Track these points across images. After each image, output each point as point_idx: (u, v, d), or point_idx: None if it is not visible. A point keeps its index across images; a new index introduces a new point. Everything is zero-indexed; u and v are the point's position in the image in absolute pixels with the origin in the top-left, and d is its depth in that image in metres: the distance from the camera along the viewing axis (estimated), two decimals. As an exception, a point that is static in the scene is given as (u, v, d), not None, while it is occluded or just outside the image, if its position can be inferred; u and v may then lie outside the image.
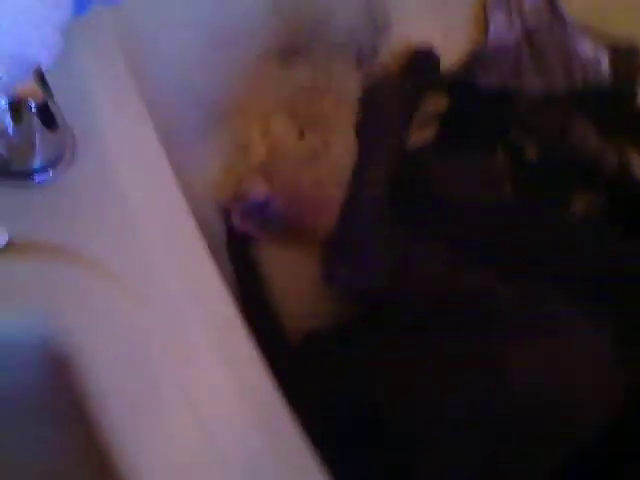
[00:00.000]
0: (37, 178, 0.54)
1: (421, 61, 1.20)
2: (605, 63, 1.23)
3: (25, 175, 0.54)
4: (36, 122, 0.51)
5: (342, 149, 1.13)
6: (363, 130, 1.06)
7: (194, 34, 0.96)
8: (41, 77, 0.51)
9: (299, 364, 0.88)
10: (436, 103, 1.17)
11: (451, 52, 1.22)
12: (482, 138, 1.15)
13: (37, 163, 0.54)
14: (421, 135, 1.15)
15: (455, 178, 1.06)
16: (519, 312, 0.85)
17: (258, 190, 1.04)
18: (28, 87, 0.50)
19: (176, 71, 0.94)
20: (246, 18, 1.03)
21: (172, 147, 0.64)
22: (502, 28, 1.23)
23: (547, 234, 0.99)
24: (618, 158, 1.13)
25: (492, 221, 0.96)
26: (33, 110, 0.50)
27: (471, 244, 0.91)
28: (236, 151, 1.10)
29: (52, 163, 0.54)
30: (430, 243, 0.91)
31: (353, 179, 1.00)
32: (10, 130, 0.51)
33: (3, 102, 0.49)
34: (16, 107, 0.50)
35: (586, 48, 1.23)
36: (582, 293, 0.88)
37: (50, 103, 0.52)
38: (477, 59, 1.23)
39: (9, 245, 0.51)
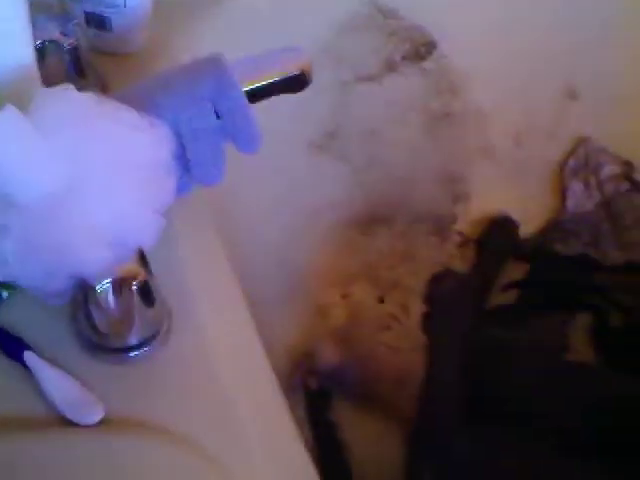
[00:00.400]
0: (133, 354, 0.56)
1: (500, 229, 1.22)
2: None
3: (122, 351, 0.56)
4: (136, 300, 0.53)
5: (419, 314, 1.14)
6: (432, 329, 1.06)
7: (281, 207, 1.00)
8: (142, 257, 0.54)
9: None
10: (517, 270, 1.19)
11: (530, 221, 1.24)
12: (562, 304, 1.15)
13: (134, 340, 0.55)
14: (504, 298, 1.16)
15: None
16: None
17: (331, 355, 1.05)
18: (130, 267, 0.53)
19: (265, 240, 0.98)
20: (330, 190, 1.07)
21: (256, 310, 0.66)
22: (580, 197, 1.25)
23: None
24: None
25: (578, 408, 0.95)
26: (134, 289, 0.53)
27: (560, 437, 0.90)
28: (316, 314, 1.12)
29: (148, 339, 0.56)
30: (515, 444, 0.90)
31: (428, 380, 0.99)
32: (111, 308, 0.53)
33: (107, 281, 0.52)
34: (118, 286, 0.52)
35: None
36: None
37: (150, 281, 0.54)
38: (556, 228, 1.24)
39: (104, 420, 0.52)
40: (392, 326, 1.13)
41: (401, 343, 1.10)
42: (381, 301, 1.15)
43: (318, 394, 1.06)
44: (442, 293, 1.07)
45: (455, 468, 0.88)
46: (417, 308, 1.15)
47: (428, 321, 1.05)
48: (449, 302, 1.08)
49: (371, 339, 1.10)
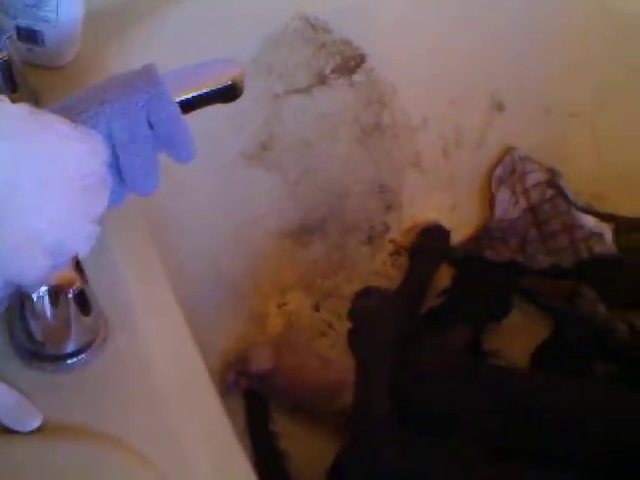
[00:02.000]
0: (69, 362, 0.56)
1: (431, 236, 1.25)
2: (608, 236, 1.27)
3: (58, 359, 0.56)
4: (72, 308, 0.54)
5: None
6: (357, 346, 1.08)
7: (215, 216, 1.01)
8: (78, 264, 0.54)
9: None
10: (449, 276, 1.22)
11: (460, 229, 1.28)
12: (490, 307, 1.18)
13: (71, 347, 0.56)
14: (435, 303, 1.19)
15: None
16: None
17: (264, 358, 1.06)
18: (66, 275, 0.53)
19: (199, 248, 0.99)
20: (263, 201, 1.08)
21: (191, 319, 0.67)
22: (507, 205, 1.29)
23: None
24: (628, 326, 1.15)
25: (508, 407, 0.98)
26: (70, 296, 0.53)
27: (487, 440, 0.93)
28: (252, 323, 1.13)
29: (85, 347, 0.57)
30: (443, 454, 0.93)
31: (356, 399, 1.01)
32: (47, 315, 0.53)
33: (43, 289, 0.52)
34: (54, 294, 0.53)
35: (589, 222, 1.27)
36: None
37: (86, 289, 0.54)
38: (485, 235, 1.28)
39: (42, 427, 0.53)
40: (327, 333, 1.14)
41: (336, 350, 1.12)
42: (316, 309, 1.17)
43: (256, 402, 1.07)
44: (365, 310, 1.09)
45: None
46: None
47: (353, 337, 1.07)
48: (372, 318, 1.10)
49: (306, 348, 1.11)
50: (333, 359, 1.09)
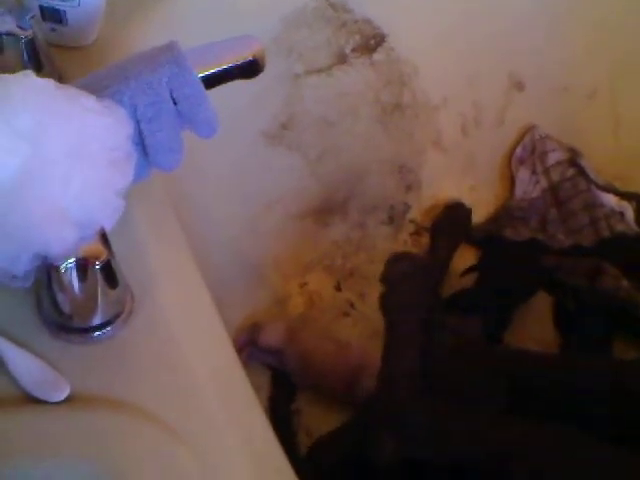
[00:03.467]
0: (96, 334, 0.57)
1: (453, 214, 1.25)
2: (630, 214, 1.26)
3: (85, 331, 0.57)
4: (99, 280, 0.55)
5: (377, 301, 1.16)
6: (388, 307, 1.08)
7: (236, 196, 1.01)
8: (104, 237, 0.55)
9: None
10: (469, 255, 1.22)
11: (480, 208, 1.28)
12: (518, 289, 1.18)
13: (97, 320, 0.57)
14: (458, 283, 1.19)
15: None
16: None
17: (273, 336, 1.07)
18: (93, 247, 0.54)
19: (220, 229, 0.99)
20: (284, 181, 1.09)
21: (213, 298, 0.67)
22: (527, 184, 1.29)
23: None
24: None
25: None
26: (97, 269, 0.54)
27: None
28: (273, 304, 1.14)
29: (111, 319, 0.57)
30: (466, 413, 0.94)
31: (385, 356, 1.02)
32: (74, 288, 0.54)
33: (70, 261, 0.53)
34: (81, 266, 0.54)
35: (610, 200, 1.27)
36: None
37: (112, 262, 0.55)
38: (505, 214, 1.27)
39: (70, 398, 0.54)
40: (349, 313, 1.15)
41: (358, 329, 1.13)
42: (338, 289, 1.18)
43: (281, 380, 1.08)
44: (398, 273, 1.10)
45: (410, 436, 0.91)
46: (373, 295, 1.17)
47: (385, 300, 1.08)
48: (405, 282, 1.10)
49: (323, 332, 1.12)
50: (354, 341, 1.10)
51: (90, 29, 0.81)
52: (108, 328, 0.58)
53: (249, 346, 1.06)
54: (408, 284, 1.07)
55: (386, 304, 1.08)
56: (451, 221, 1.25)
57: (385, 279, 1.08)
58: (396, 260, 1.10)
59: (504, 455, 0.88)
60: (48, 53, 0.73)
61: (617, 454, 0.86)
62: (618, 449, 0.86)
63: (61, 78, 0.75)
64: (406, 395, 0.95)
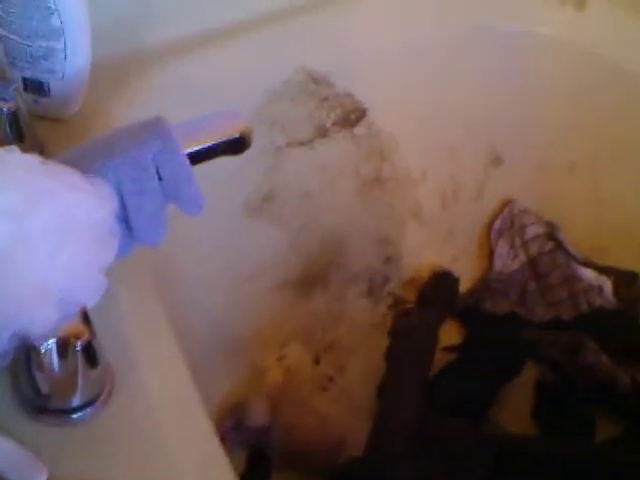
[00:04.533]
0: (75, 416, 0.55)
1: (441, 283, 1.25)
2: (608, 289, 1.27)
3: (64, 413, 0.55)
4: (80, 361, 0.53)
5: (357, 374, 1.15)
6: (392, 360, 1.09)
7: (217, 267, 1.01)
8: (85, 316, 0.54)
9: None
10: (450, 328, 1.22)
11: (460, 281, 1.27)
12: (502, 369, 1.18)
13: (77, 401, 0.55)
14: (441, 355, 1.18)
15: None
16: None
17: (260, 413, 1.05)
18: (74, 327, 0.53)
19: (200, 299, 0.98)
20: (265, 253, 1.08)
21: (192, 372, 0.66)
22: (506, 257, 1.29)
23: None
24: (630, 378, 1.14)
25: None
26: (78, 349, 0.52)
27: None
28: (252, 376, 1.12)
29: (91, 400, 0.56)
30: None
31: (383, 406, 1.02)
32: (54, 368, 0.52)
33: (50, 341, 0.51)
34: (61, 346, 0.52)
35: (588, 275, 1.28)
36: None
37: (93, 342, 0.54)
38: (485, 287, 1.28)
39: (47, 483, 0.52)
40: (328, 387, 1.13)
41: (337, 405, 1.11)
42: (317, 362, 1.16)
43: (257, 458, 1.06)
44: (406, 327, 1.11)
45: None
46: (353, 368, 1.16)
47: (390, 353, 1.08)
48: (411, 336, 1.11)
49: (304, 404, 1.10)
50: (333, 416, 1.08)
51: (73, 101, 0.81)
52: (88, 409, 0.56)
53: (233, 431, 1.05)
54: (414, 338, 1.09)
55: (390, 356, 1.08)
56: (439, 290, 1.25)
57: (392, 332, 1.08)
58: (404, 315, 1.11)
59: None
60: (30, 124, 0.73)
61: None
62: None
63: (43, 150, 0.74)
64: (402, 448, 0.95)
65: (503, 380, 1.16)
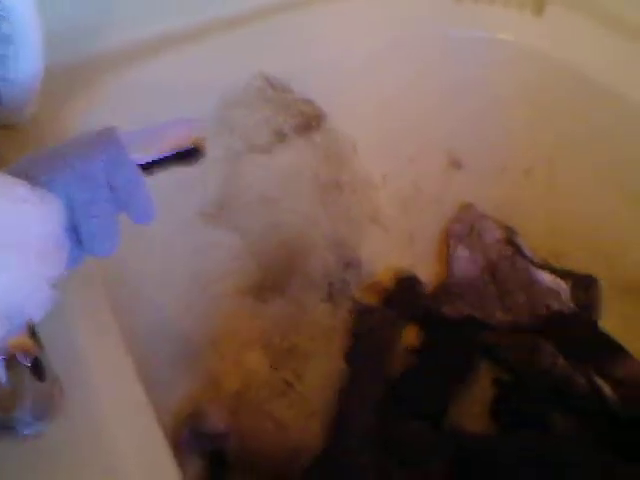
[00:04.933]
0: (24, 431, 0.54)
1: (405, 285, 1.26)
2: (566, 293, 1.28)
3: (11, 428, 0.54)
4: (27, 375, 0.52)
5: (315, 379, 1.15)
6: (353, 359, 1.09)
7: (173, 273, 1.00)
8: (32, 330, 0.53)
9: None
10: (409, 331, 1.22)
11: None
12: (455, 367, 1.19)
13: (24, 415, 0.54)
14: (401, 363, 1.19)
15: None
16: None
17: (217, 419, 1.05)
18: (20, 340, 0.52)
19: (156, 305, 0.97)
20: (223, 258, 1.08)
21: (146, 378, 0.65)
22: (466, 262, 1.30)
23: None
24: (586, 380, 1.16)
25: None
26: (24, 363, 0.52)
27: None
28: (208, 382, 1.11)
29: (39, 415, 0.55)
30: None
31: (343, 404, 1.03)
32: (1, 383, 0.52)
33: (-3, 356, 0.51)
34: (8, 361, 0.51)
35: (546, 279, 1.29)
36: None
37: (41, 355, 0.53)
38: (444, 291, 1.28)
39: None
40: (286, 392, 1.13)
41: (294, 411, 1.11)
42: (275, 368, 1.16)
43: (214, 463, 1.05)
44: (367, 327, 1.11)
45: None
46: (311, 374, 1.16)
47: (351, 352, 1.09)
48: (373, 335, 1.12)
49: (261, 410, 1.10)
50: (291, 421, 1.08)
51: (24, 108, 0.79)
52: (36, 425, 0.55)
53: (191, 438, 1.04)
54: (376, 337, 1.09)
55: (352, 355, 1.10)
56: (403, 293, 1.25)
57: (354, 331, 1.09)
58: (366, 312, 1.11)
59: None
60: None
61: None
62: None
63: (-7, 157, 0.73)
64: (360, 443, 0.95)
65: (458, 382, 1.16)
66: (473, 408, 1.15)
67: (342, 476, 0.97)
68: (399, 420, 1.07)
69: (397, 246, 1.28)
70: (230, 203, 1.05)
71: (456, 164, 1.29)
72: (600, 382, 1.15)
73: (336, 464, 0.96)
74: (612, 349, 1.21)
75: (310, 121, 1.09)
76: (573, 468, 1.01)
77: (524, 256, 1.29)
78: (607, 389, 1.14)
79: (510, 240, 1.30)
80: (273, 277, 1.15)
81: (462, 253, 1.30)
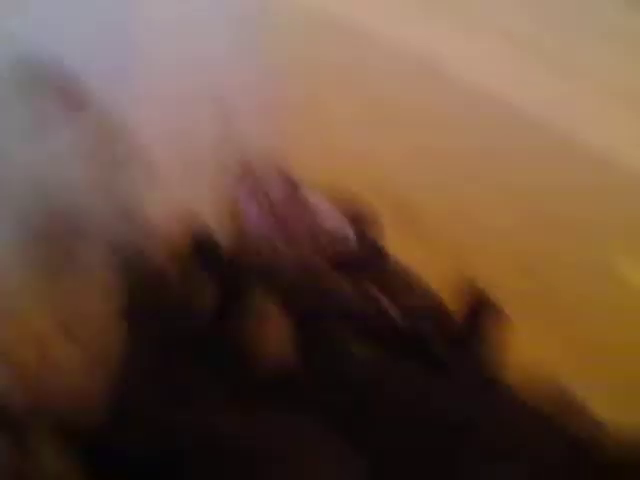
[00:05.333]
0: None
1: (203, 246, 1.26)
2: (352, 236, 1.34)
3: None
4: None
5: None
6: (128, 317, 1.08)
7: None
8: None
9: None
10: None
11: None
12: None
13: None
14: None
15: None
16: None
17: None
18: None
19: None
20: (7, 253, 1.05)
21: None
22: (255, 217, 1.33)
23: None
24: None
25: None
26: None
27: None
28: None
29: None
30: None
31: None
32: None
33: None
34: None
35: (335, 224, 1.34)
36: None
37: None
38: (238, 249, 1.30)
39: None
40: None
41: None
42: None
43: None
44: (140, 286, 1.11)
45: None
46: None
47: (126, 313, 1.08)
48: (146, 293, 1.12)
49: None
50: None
51: None
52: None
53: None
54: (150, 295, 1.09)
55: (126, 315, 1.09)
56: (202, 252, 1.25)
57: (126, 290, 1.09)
58: (137, 273, 1.10)
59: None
60: None
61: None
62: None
63: None
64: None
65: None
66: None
67: None
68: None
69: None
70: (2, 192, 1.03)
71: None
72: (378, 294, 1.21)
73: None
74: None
75: (77, 100, 1.07)
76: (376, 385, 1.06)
77: (309, 205, 1.33)
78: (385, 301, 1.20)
79: (295, 191, 1.34)
80: (60, 258, 1.13)
81: (251, 209, 1.33)
